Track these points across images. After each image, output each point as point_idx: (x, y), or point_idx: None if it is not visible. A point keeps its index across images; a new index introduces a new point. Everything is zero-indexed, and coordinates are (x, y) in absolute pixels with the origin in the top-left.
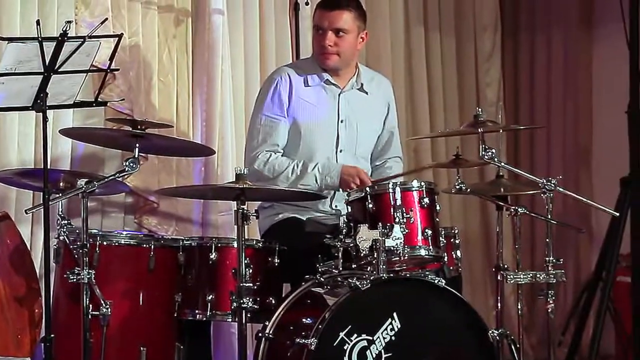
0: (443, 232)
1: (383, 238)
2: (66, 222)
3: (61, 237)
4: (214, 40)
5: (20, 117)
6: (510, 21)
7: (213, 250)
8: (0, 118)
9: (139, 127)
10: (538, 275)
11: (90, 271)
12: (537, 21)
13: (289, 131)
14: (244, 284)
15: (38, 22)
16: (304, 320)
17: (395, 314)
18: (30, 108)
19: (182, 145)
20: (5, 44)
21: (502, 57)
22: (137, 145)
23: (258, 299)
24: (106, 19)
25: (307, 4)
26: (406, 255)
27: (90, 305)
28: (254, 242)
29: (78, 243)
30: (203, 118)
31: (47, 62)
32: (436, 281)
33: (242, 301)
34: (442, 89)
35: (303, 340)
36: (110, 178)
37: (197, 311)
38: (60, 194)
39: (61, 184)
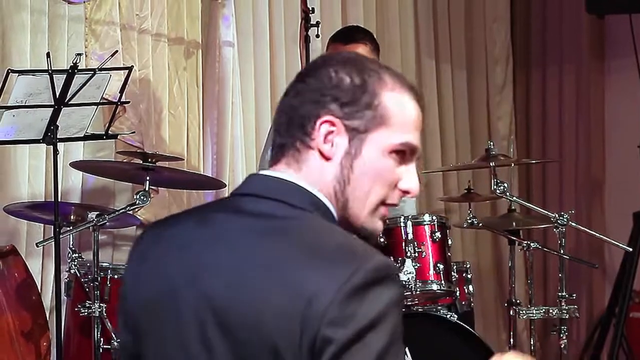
0: (455, 266)
1: None
2: (77, 255)
3: (72, 271)
4: (225, 72)
5: (31, 150)
6: (521, 54)
7: None
8: (11, 151)
9: (149, 160)
10: (551, 311)
11: (101, 305)
12: (549, 54)
13: None
14: None
15: (48, 55)
16: None
17: (407, 349)
18: (40, 141)
19: (192, 178)
20: (16, 76)
21: (513, 90)
22: (148, 178)
23: None
24: (116, 51)
25: (317, 36)
26: (418, 289)
27: (102, 339)
28: None
29: (89, 276)
30: (214, 151)
31: (57, 94)
32: (448, 316)
33: None
34: (454, 122)
35: None
36: (121, 211)
37: None
38: (71, 227)
39: (72, 217)
